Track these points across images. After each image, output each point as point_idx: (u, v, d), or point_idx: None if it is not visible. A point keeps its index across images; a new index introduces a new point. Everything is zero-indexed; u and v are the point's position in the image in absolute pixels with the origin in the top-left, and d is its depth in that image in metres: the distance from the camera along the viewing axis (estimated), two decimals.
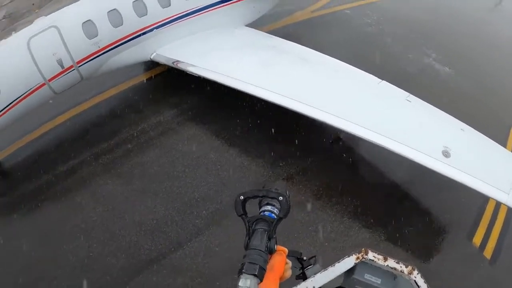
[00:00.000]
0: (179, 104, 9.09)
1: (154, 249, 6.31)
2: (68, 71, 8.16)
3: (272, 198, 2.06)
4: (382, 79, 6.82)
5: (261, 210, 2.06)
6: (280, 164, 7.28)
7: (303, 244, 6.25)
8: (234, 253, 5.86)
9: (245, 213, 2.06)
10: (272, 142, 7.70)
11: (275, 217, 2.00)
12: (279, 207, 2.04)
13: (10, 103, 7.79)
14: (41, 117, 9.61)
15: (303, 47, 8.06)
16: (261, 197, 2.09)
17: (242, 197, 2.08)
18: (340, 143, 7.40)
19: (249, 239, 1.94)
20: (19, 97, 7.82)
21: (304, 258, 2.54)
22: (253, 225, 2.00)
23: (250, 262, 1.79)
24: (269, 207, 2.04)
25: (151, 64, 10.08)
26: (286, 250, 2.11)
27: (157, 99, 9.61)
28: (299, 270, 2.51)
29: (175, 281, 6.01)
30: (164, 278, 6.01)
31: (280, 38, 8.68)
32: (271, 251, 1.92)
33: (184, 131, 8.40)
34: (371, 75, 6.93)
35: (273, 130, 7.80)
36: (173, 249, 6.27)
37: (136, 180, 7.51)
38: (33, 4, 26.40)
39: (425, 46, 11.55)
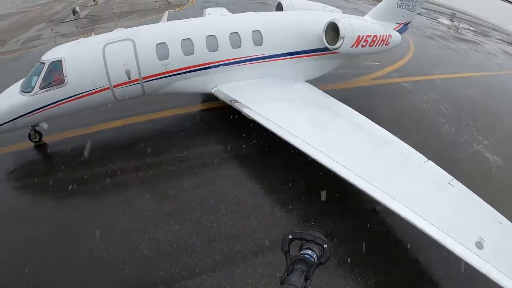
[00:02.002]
0: (227, 141, 9.25)
1: (167, 271, 6.08)
2: (132, 83, 8.71)
3: (317, 244, 2.25)
4: (429, 159, 6.82)
5: (301, 252, 2.23)
6: (312, 223, 7.08)
7: None
8: None
9: (289, 251, 2.25)
10: (308, 200, 7.50)
11: (315, 261, 2.18)
12: (319, 254, 2.22)
13: (75, 95, 8.28)
14: (98, 117, 10.05)
15: (357, 113, 8.17)
16: (308, 240, 2.27)
17: (291, 236, 2.28)
18: (375, 213, 7.16)
19: (287, 275, 2.10)
20: (84, 92, 8.33)
21: None
22: (293, 264, 2.16)
23: None
24: (309, 252, 2.22)
25: (209, 97, 10.52)
26: None
27: (207, 131, 9.90)
28: None
29: None
30: None
31: (336, 100, 8.83)
32: None
33: (226, 169, 8.44)
34: (419, 154, 6.90)
35: (312, 187, 7.73)
36: (186, 276, 6.00)
37: (168, 201, 7.49)
38: (114, 13, 28.41)
39: (477, 130, 11.35)
